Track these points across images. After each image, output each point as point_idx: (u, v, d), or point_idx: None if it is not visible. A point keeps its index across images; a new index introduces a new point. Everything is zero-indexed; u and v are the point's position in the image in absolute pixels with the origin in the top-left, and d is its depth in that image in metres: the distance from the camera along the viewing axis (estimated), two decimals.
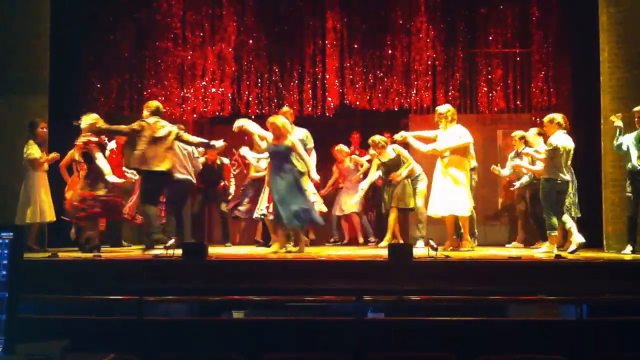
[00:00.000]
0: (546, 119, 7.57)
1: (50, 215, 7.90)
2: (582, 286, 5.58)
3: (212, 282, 5.87)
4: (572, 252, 6.99)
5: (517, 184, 8.72)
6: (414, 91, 10.12)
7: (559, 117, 7.47)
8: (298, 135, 7.66)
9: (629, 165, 7.29)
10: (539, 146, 7.74)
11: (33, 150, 7.69)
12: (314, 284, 5.76)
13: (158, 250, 6.76)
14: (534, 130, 8.30)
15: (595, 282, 5.74)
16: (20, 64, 8.27)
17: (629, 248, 7.25)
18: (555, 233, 7.35)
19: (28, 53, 8.32)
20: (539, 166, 7.87)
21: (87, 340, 3.85)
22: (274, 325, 4.82)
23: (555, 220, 7.28)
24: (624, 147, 7.32)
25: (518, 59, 10.20)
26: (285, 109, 8.29)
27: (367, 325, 4.86)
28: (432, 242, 6.42)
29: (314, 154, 8.16)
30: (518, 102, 10.17)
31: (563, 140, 7.32)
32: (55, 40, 8.60)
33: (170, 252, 6.21)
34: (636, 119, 7.25)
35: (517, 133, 8.72)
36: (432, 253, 6.22)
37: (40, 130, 7.84)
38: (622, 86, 7.87)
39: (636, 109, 7.25)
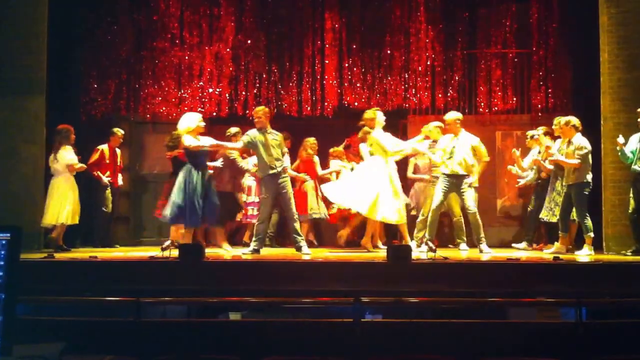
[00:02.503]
0: (563, 121, 7.59)
1: (77, 217, 8.14)
2: (582, 288, 5.57)
3: (208, 284, 5.84)
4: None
5: (521, 182, 8.71)
6: (413, 92, 10.09)
7: (574, 119, 7.53)
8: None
9: (634, 168, 7.27)
10: (553, 147, 7.85)
11: (74, 156, 8.16)
12: (311, 286, 5.73)
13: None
14: (540, 130, 8.36)
15: (595, 285, 5.73)
16: (18, 65, 8.23)
17: (631, 249, 7.25)
18: (591, 234, 7.34)
19: (26, 54, 8.27)
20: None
21: (85, 342, 3.84)
22: (271, 327, 4.80)
23: (589, 221, 7.35)
24: (630, 155, 7.29)
25: (517, 59, 10.16)
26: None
27: (365, 327, 4.83)
28: (430, 244, 6.40)
29: None
30: (517, 103, 10.15)
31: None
32: (52, 40, 8.57)
33: (167, 253, 6.20)
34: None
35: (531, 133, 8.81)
36: (431, 255, 6.20)
37: (73, 136, 8.23)
38: (623, 87, 7.86)
39: None
